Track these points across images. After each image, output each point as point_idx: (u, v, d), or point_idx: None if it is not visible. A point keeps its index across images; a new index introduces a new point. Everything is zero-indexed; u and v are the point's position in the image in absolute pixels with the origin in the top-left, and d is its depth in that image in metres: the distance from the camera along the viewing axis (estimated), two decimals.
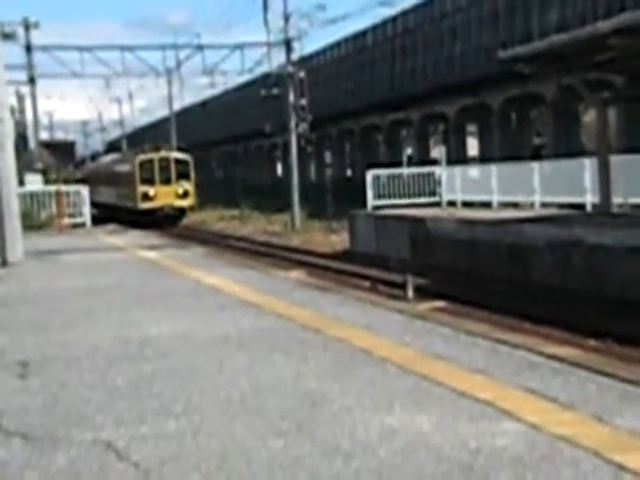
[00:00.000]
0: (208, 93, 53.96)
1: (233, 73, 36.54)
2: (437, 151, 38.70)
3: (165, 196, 34.12)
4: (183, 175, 34.69)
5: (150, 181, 34.26)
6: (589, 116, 29.13)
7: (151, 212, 33.60)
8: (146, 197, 34.19)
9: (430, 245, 17.69)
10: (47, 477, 3.34)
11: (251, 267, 11.77)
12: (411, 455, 3.41)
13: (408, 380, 4.56)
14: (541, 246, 13.84)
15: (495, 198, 19.90)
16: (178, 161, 35.02)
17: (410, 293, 13.19)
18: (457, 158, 33.29)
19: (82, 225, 21.80)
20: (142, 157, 34.88)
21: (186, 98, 60.73)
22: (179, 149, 37.30)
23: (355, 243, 22.11)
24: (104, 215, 34.41)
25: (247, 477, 3.24)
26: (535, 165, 18.97)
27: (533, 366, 4.80)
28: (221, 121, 63.83)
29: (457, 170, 22.57)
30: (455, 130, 38.90)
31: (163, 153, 35.16)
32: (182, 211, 35.03)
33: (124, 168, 38.06)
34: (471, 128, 41.16)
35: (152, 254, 13.79)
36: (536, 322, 10.43)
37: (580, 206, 16.85)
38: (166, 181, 34.32)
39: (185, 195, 34.68)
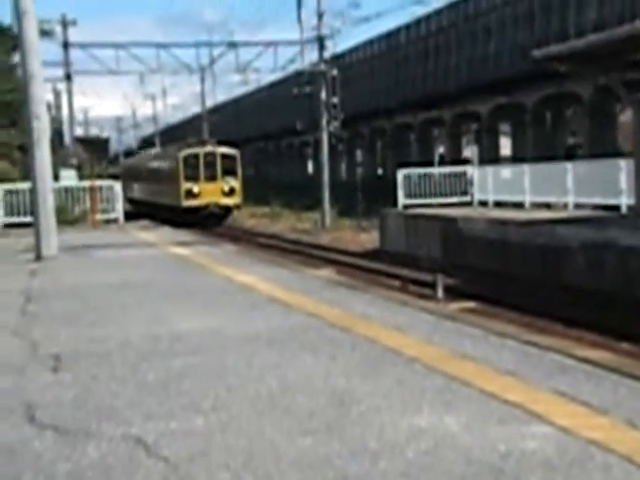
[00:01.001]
0: (241, 90, 54.12)
1: (266, 71, 36.67)
2: (469, 150, 38.50)
3: (210, 193, 32.10)
4: (230, 171, 32.66)
5: (194, 177, 32.35)
6: (625, 116, 28.72)
7: (195, 210, 31.73)
8: (190, 194, 32.25)
9: (461, 245, 17.60)
10: (79, 470, 3.38)
11: (281, 265, 11.79)
12: (439, 456, 3.39)
13: (437, 380, 4.54)
14: (574, 247, 13.69)
15: (527, 198, 19.72)
16: (225, 156, 33.03)
17: (440, 293, 13.14)
18: (489, 158, 33.06)
19: (115, 221, 21.99)
20: (186, 152, 33.02)
21: (219, 95, 61.37)
22: (225, 143, 35.07)
23: (385, 242, 22.07)
24: (143, 212, 33.86)
25: (275, 475, 3.25)
26: (569, 165, 18.76)
27: (564, 369, 4.75)
28: (253, 118, 64.09)
29: (489, 170, 22.41)
30: (488, 129, 38.62)
31: (209, 147, 33.21)
32: (228, 210, 33.01)
33: (166, 163, 36.35)
34: (504, 127, 40.83)
35: (183, 250, 13.88)
36: (568, 324, 10.32)
37: (615, 208, 16.62)
38: (211, 177, 32.38)
39: (231, 193, 32.61)
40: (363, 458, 3.39)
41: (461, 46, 36.85)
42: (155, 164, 39.94)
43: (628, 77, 14.98)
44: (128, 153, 72.89)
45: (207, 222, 30.57)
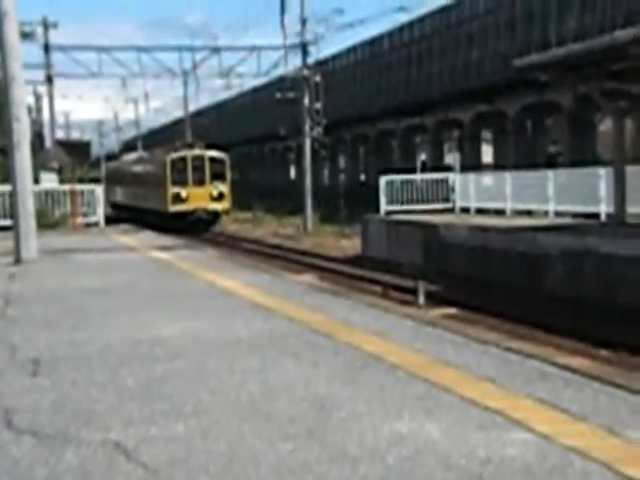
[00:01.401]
0: (224, 95, 54.06)
1: (249, 75, 36.83)
2: (451, 157, 38.65)
3: (198, 198, 31.49)
4: (218, 175, 32.10)
5: (182, 181, 31.69)
6: (605, 125, 29.00)
7: (182, 215, 31.11)
8: (177, 199, 31.57)
9: (442, 252, 17.66)
10: (57, 475, 3.35)
11: (263, 270, 11.79)
12: (420, 462, 3.40)
13: (418, 387, 4.56)
14: (554, 255, 13.78)
15: (509, 206, 19.85)
16: (213, 160, 32.39)
17: (421, 299, 13.18)
18: (471, 165, 33.22)
19: (95, 224, 21.90)
20: (174, 155, 32.35)
21: (202, 99, 61.22)
22: (213, 146, 34.24)
23: (367, 248, 22.10)
24: (128, 217, 33.21)
25: None
26: (550, 173, 18.90)
27: (544, 376, 4.78)
28: (236, 123, 64.02)
29: (471, 177, 22.53)
30: (470, 137, 38.83)
31: (197, 151, 32.59)
32: (216, 215, 32.43)
33: (152, 167, 35.65)
34: (486, 135, 41.06)
35: (165, 255, 13.83)
36: (548, 331, 10.38)
37: (595, 215, 16.76)
38: (200, 182, 31.76)
39: (220, 197, 32.04)
40: (343, 463, 3.38)
41: (443, 53, 37.05)
42: (140, 167, 39.30)
43: (607, 87, 15.13)
44: (110, 157, 72.54)
45: (195, 228, 30.06)
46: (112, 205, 44.91)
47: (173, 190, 31.77)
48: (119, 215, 36.56)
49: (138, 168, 39.79)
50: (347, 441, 3.66)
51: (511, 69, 17.54)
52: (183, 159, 32.11)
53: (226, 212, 33.25)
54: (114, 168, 49.50)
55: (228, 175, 32.83)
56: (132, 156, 46.60)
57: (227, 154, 33.70)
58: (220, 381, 4.80)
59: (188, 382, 4.80)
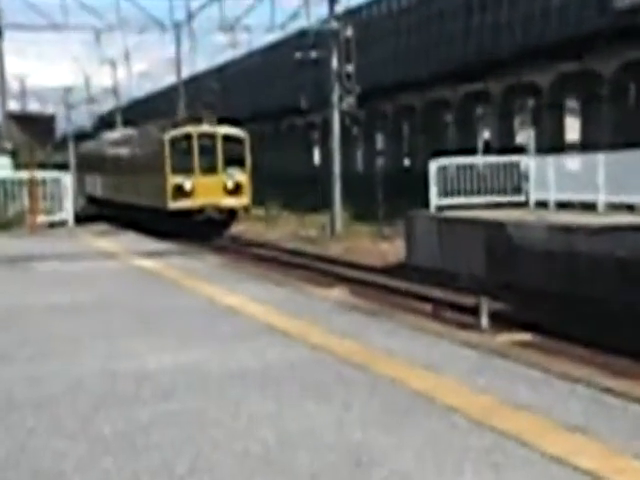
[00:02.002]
0: (227, 55, 54.28)
1: (260, 30, 36.83)
2: (524, 135, 38.48)
3: (208, 191, 29.70)
4: (235, 160, 30.34)
5: (186, 169, 29.90)
6: None
7: (186, 214, 29.32)
8: (179, 192, 29.74)
9: (512, 258, 17.59)
10: None
11: (279, 283, 11.84)
12: None
13: (483, 437, 4.53)
14: None
15: (602, 198, 19.69)
16: (228, 138, 30.60)
17: (485, 321, 13.14)
18: (551, 144, 33.04)
19: (62, 224, 22.06)
20: (174, 132, 30.60)
21: (199, 61, 61.40)
22: (228, 121, 32.37)
23: (413, 254, 22.07)
24: (110, 214, 33.08)
25: None
26: None
27: None
28: (244, 92, 64.32)
29: (550, 160, 22.38)
30: (549, 106, 38.60)
31: (206, 127, 30.69)
32: (232, 213, 30.77)
33: (145, 148, 34.00)
34: (571, 104, 40.83)
35: (152, 263, 13.90)
36: None
37: None
38: (210, 169, 30.05)
39: (237, 190, 30.24)
40: None
41: None
42: (128, 149, 37.79)
43: None
44: (82, 135, 73.12)
45: (202, 231, 28.51)
46: (89, 199, 45.07)
47: (174, 180, 29.96)
48: (100, 212, 36.56)
49: (124, 150, 38.44)
50: None
51: (609, 14, 17.37)
52: (187, 137, 30.38)
53: (245, 210, 31.68)
54: (91, 150, 48.55)
55: (248, 160, 31.12)
56: (116, 134, 45.02)
57: (245, 131, 32.03)
58: (224, 428, 4.81)
59: (182, 430, 4.81)
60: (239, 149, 30.87)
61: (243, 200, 30.79)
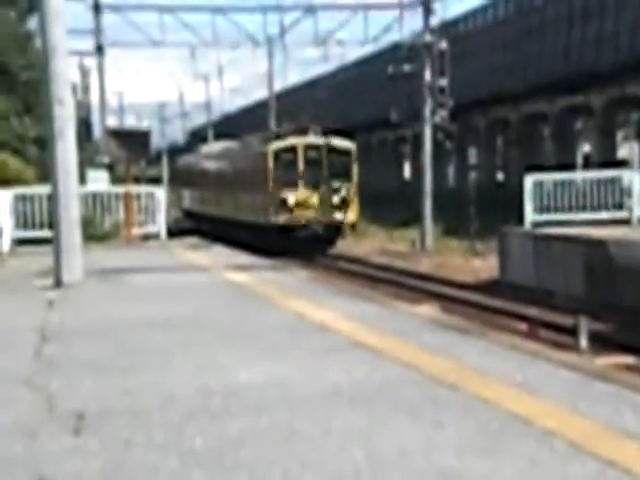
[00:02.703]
0: (319, 69, 54.66)
1: (353, 44, 37.04)
2: (627, 149, 37.71)
3: (312, 206, 28.81)
4: (341, 173, 29.43)
5: (290, 182, 28.99)
6: None
7: (289, 230, 28.54)
8: (282, 207, 28.84)
9: (613, 277, 17.27)
10: None
11: (368, 298, 11.83)
12: None
13: (586, 465, 4.43)
14: None
15: None
16: (335, 150, 29.61)
17: (584, 342, 12.92)
18: None
19: (155, 236, 22.42)
20: (278, 144, 29.73)
21: (291, 75, 61.95)
22: (334, 132, 31.26)
23: (507, 271, 21.87)
24: (207, 230, 32.64)
25: None
26: None
27: None
28: (335, 106, 64.56)
29: None
30: None
31: (311, 138, 29.71)
32: (337, 230, 29.66)
33: (246, 162, 33.13)
34: None
35: (242, 277, 14.02)
36: None
37: None
38: (315, 183, 29.09)
39: (343, 205, 29.24)
40: None
41: (620, 6, 36.10)
42: (227, 163, 37.27)
43: None
44: (174, 150, 74.42)
45: (305, 248, 27.57)
46: (186, 213, 45.21)
47: (277, 194, 29.01)
48: (198, 227, 36.37)
49: (224, 163, 37.83)
50: None
51: None
52: (292, 149, 29.44)
53: (353, 226, 30.38)
54: (188, 164, 48.06)
55: (355, 172, 30.17)
56: (214, 147, 44.33)
57: (354, 142, 31.00)
58: (313, 446, 4.81)
59: (271, 446, 4.82)
60: (346, 161, 29.90)
61: (349, 216, 29.61)
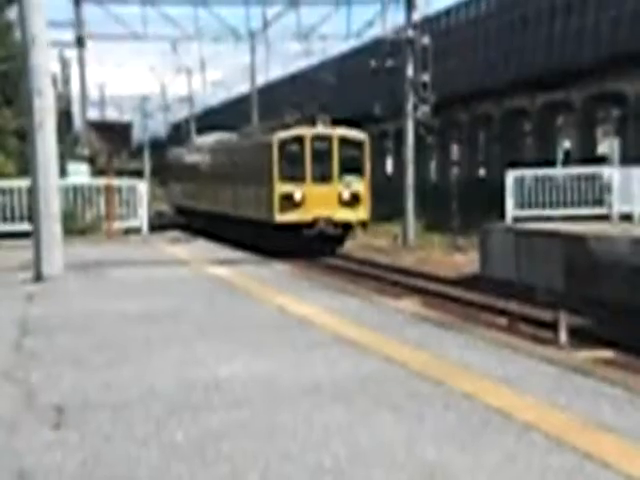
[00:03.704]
0: (302, 63, 54.58)
1: (335, 38, 37.03)
2: (607, 145, 37.82)
3: (320, 202, 26.62)
4: (353, 167, 27.31)
5: (296, 176, 26.89)
6: None
7: (293, 228, 26.47)
8: (288, 203, 26.71)
9: (593, 273, 17.36)
10: None
11: (350, 293, 11.85)
12: None
13: (564, 458, 4.45)
14: None
15: None
16: (345, 142, 27.49)
17: (564, 336, 13.00)
18: (636, 155, 32.43)
19: (137, 230, 22.38)
20: (284, 135, 27.52)
21: (273, 69, 61.94)
22: (344, 122, 29.47)
23: (488, 266, 21.94)
24: (202, 227, 31.56)
25: None
26: None
27: None
28: (317, 100, 64.52)
29: (636, 171, 22.02)
30: (636, 116, 37.89)
31: (320, 128, 27.63)
32: (346, 228, 27.64)
33: (247, 154, 30.96)
34: None
35: (224, 271, 14.04)
36: None
37: None
38: (323, 177, 27.00)
39: (354, 201, 27.21)
40: None
41: (602, 3, 36.24)
42: (225, 156, 35.18)
43: None
44: (156, 143, 74.17)
45: (312, 248, 25.96)
46: (177, 209, 43.90)
47: (282, 189, 26.80)
48: (190, 223, 35.36)
49: (221, 156, 35.87)
50: None
51: None
52: (299, 140, 27.24)
53: (363, 224, 28.32)
54: (179, 157, 45.94)
55: (367, 166, 28.03)
56: (209, 139, 41.66)
57: (366, 134, 28.75)
58: (295, 440, 4.82)
59: (253, 440, 4.83)
60: (357, 154, 27.66)
61: (360, 213, 27.58)
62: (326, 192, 26.72)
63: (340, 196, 26.91)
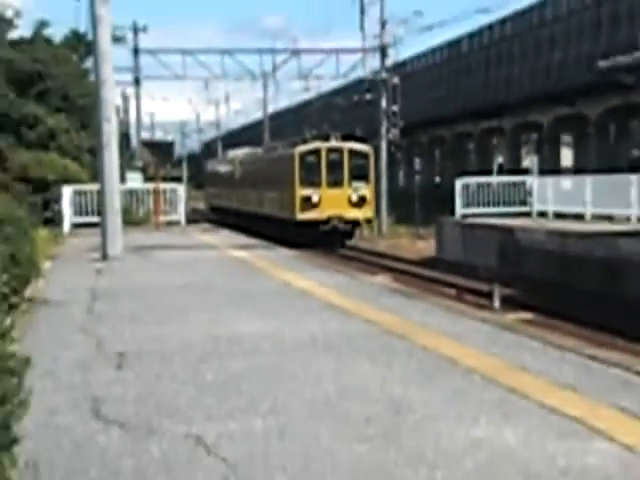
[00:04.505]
0: (302, 97, 54.38)
1: (327, 78, 36.88)
2: (529, 160, 37.80)
3: (333, 203, 25.26)
4: (360, 174, 25.81)
5: (314, 182, 25.49)
6: None
7: (311, 225, 25.14)
8: (307, 204, 25.42)
9: (519, 255, 17.32)
10: (142, 467, 3.44)
11: (338, 271, 11.79)
12: (497, 469, 3.34)
13: (494, 392, 4.48)
14: (636, 261, 13.33)
15: (589, 210, 19.29)
16: (354, 153, 26.14)
17: (497, 303, 12.94)
18: (549, 168, 32.46)
19: (177, 223, 22.30)
20: (304, 148, 26.24)
21: (280, 101, 61.62)
22: (352, 137, 28.11)
23: (442, 250, 21.85)
24: (235, 223, 30.02)
25: None
26: (634, 178, 18.26)
27: (628, 385, 4.63)
28: (313, 124, 64.28)
29: (549, 180, 21.98)
30: (549, 140, 37.95)
31: (333, 142, 26.32)
32: (354, 225, 26.29)
33: (273, 164, 29.52)
34: (566, 138, 40.07)
35: (243, 253, 13.98)
36: (630, 339, 10.04)
37: None
38: (336, 182, 25.56)
39: (361, 203, 25.78)
40: (420, 467, 3.35)
41: (524, 56, 36.33)
42: (254, 165, 33.53)
43: None
44: (192, 157, 73.79)
45: (327, 241, 24.54)
46: (212, 208, 42.51)
47: (302, 192, 25.39)
48: (223, 219, 34.17)
49: (250, 166, 34.10)
50: (423, 445, 3.63)
51: (595, 71, 17.06)
52: (316, 152, 25.84)
53: (369, 221, 27.10)
54: (215, 167, 44.16)
55: (372, 174, 26.60)
56: (238, 153, 40.03)
57: (370, 146, 27.20)
58: (296, 380, 4.82)
59: (265, 380, 4.83)
60: (364, 163, 26.10)
61: (366, 212, 26.14)
62: (338, 195, 25.50)
63: (350, 198, 25.65)
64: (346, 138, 27.07)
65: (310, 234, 24.37)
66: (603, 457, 3.45)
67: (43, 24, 31.94)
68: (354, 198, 25.52)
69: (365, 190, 25.77)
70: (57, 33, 33.15)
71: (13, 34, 31.98)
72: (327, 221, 25.10)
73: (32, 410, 2.72)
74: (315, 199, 25.30)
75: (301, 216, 25.16)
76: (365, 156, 26.18)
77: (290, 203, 25.71)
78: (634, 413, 4.04)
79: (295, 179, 25.49)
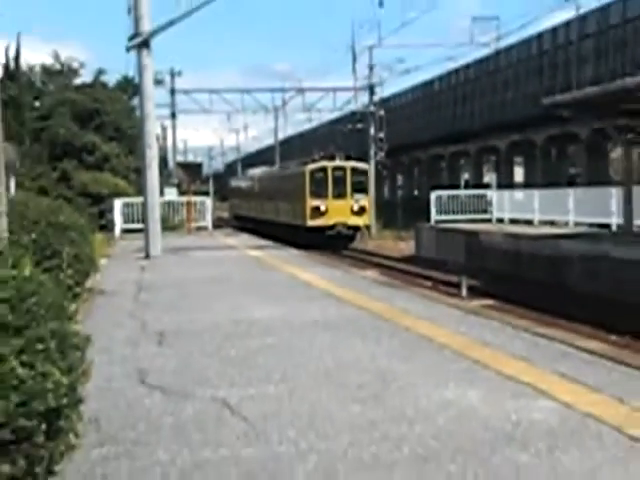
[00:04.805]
0: (306, 126, 54.41)
1: (326, 110, 36.92)
2: (489, 177, 37.81)
3: (338, 212, 24.68)
4: (360, 188, 25.26)
5: (321, 194, 24.90)
6: (616, 153, 27.90)
7: (319, 230, 24.50)
8: (316, 213, 24.83)
9: (482, 253, 17.36)
10: (179, 423, 3.47)
11: (335, 266, 11.82)
12: (464, 423, 3.37)
13: (462, 363, 4.50)
14: (574, 257, 13.37)
15: (537, 217, 19.32)
16: (355, 171, 25.57)
17: (464, 292, 12.93)
18: (505, 183, 32.51)
19: (205, 228, 22.32)
20: (313, 166, 25.78)
21: (288, 130, 61.37)
22: (353, 158, 27.62)
23: (420, 250, 21.87)
24: (254, 228, 29.33)
25: (332, 434, 3.27)
26: (570, 191, 18.34)
27: (567, 356, 4.66)
28: (315, 149, 64.26)
29: (506, 193, 22.03)
30: (505, 160, 38.00)
31: (338, 162, 25.85)
32: (355, 230, 25.60)
33: (287, 180, 28.92)
34: (518, 159, 40.10)
35: (257, 253, 13.98)
36: (569, 320, 10.07)
37: (607, 226, 16.18)
38: (340, 195, 24.93)
39: (361, 212, 25.26)
40: (402, 423, 3.38)
41: (484, 94, 36.44)
42: (270, 181, 32.61)
43: (619, 122, 14.60)
44: (217, 175, 73.61)
45: (333, 243, 23.95)
46: (235, 216, 41.42)
47: (312, 203, 24.81)
48: (244, 226, 33.28)
49: (267, 181, 33.30)
50: (405, 405, 3.66)
51: (540, 106, 17.12)
52: (323, 169, 25.35)
53: (367, 227, 26.47)
54: (238, 183, 43.34)
55: (370, 188, 26.13)
56: (257, 171, 39.14)
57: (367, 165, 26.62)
58: (302, 354, 4.83)
59: (277, 355, 4.84)
60: (363, 179, 25.78)
61: (366, 220, 25.88)
62: (342, 205, 24.95)
63: (352, 208, 25.10)
64: (349, 158, 26.72)
65: (318, 238, 23.93)
66: (546, 412, 3.49)
67: (101, 72, 33.10)
68: (355, 208, 25.09)
69: (364, 201, 25.39)
70: (111, 79, 33.85)
71: (78, 80, 33.59)
72: (333, 227, 24.72)
73: (92, 378, 2.75)
74: (323, 208, 24.87)
75: (311, 223, 24.74)
76: (364, 173, 25.90)
77: (302, 212, 25.34)
78: (572, 377, 4.07)
79: (306, 192, 25.09)
